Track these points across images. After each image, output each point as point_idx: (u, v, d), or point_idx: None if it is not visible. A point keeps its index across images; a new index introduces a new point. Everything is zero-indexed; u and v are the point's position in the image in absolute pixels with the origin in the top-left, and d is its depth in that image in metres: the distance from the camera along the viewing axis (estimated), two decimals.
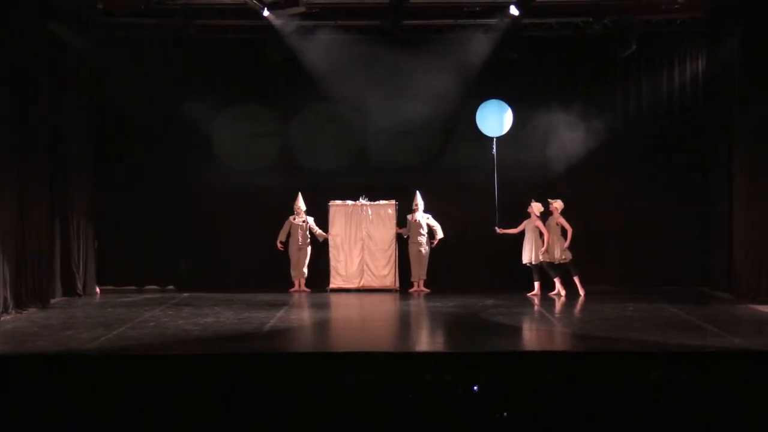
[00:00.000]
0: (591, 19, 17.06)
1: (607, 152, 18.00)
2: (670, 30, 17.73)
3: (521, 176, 17.73)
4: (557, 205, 17.03)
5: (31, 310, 15.08)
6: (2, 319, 14.00)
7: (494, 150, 16.93)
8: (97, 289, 17.65)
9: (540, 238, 16.91)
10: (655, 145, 18.12)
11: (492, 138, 16.94)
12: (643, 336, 12.35)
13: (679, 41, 18.05)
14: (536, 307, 15.52)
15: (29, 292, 15.23)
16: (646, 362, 10.34)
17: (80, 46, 16.78)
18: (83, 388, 9.37)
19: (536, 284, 17.01)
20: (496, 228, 17.08)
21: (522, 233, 17.10)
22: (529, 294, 16.87)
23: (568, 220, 16.94)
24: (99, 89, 17.80)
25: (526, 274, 17.24)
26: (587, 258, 17.64)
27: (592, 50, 17.78)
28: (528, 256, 17.00)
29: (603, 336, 12.50)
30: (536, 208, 17.01)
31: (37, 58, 15.42)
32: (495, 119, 16.86)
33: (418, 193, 17.59)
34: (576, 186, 17.93)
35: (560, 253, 16.89)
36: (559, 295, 16.80)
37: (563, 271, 16.97)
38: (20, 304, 14.88)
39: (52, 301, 16.10)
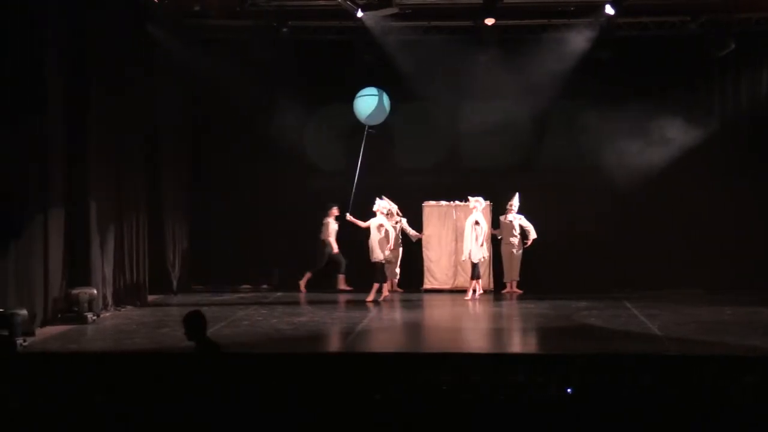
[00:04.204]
0: (688, 18, 16.80)
1: (702, 153, 17.60)
2: None
3: (618, 174, 17.54)
4: (476, 203, 16.78)
5: (129, 307, 15.44)
6: (102, 316, 14.33)
7: (364, 141, 16.97)
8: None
9: (385, 237, 16.43)
10: (751, 145, 17.77)
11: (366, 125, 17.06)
12: (740, 340, 12.17)
13: None
14: (630, 309, 15.27)
15: (127, 291, 15.61)
16: (743, 366, 10.17)
17: (176, 48, 17.00)
18: (177, 386, 9.50)
19: (374, 285, 16.46)
20: (347, 214, 16.94)
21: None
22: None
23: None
24: (194, 90, 18.04)
25: (618, 276, 17.18)
26: (684, 260, 17.41)
27: (688, 50, 17.50)
28: (374, 254, 16.48)
29: (698, 339, 12.39)
30: (381, 205, 16.69)
31: (133, 60, 15.73)
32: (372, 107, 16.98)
33: (517, 194, 17.39)
34: (672, 187, 17.65)
35: (477, 252, 16.63)
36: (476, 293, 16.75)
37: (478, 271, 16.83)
38: (119, 302, 15.24)
39: (149, 299, 16.41)
